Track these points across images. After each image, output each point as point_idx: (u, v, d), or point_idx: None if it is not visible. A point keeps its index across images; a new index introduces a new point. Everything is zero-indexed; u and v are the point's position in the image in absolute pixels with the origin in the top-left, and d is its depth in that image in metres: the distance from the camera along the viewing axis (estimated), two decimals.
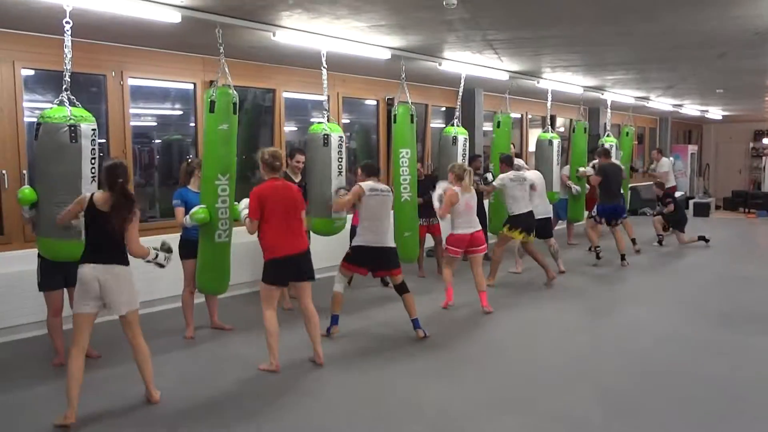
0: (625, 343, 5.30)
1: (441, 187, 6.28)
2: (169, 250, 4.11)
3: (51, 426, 3.67)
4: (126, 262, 3.83)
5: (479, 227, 6.28)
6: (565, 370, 4.68)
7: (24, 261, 5.25)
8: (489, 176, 8.19)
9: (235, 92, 5.06)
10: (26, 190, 4.35)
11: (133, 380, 4.08)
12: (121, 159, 3.85)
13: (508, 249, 7.48)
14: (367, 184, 5.29)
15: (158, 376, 4.39)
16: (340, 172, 5.80)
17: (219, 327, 5.63)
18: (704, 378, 4.51)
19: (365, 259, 5.29)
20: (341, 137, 5.85)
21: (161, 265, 4.07)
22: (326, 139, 5.70)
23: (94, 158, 4.29)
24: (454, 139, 7.39)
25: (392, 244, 5.40)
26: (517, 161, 9.03)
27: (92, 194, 3.84)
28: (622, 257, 8.62)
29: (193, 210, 5.04)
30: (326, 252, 6.91)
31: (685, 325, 5.84)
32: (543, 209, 7.92)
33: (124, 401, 4.02)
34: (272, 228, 4.44)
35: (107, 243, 3.77)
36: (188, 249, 5.33)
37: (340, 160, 5.77)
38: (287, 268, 4.53)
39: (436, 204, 6.23)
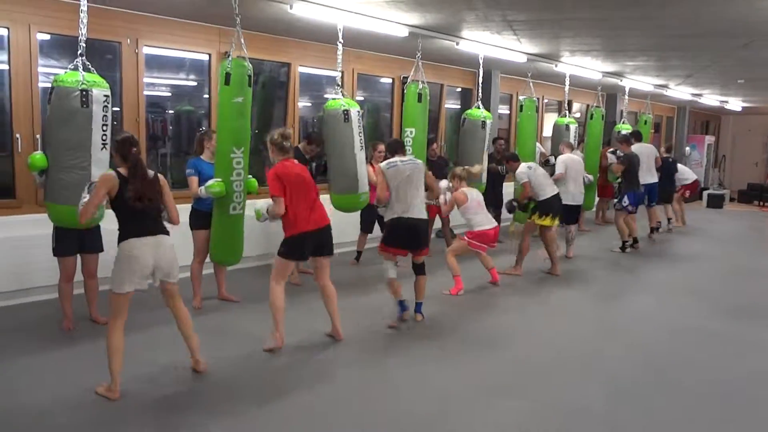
0: (632, 333, 5.28)
1: (446, 186, 6.41)
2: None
3: (72, 388, 3.75)
4: (167, 232, 3.80)
5: (496, 223, 6.47)
6: (570, 357, 4.68)
7: (35, 225, 5.29)
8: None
9: (250, 65, 5.01)
10: (37, 155, 4.30)
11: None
12: (130, 132, 3.80)
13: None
14: (388, 160, 5.25)
15: (163, 344, 4.46)
16: (362, 147, 5.84)
17: (226, 298, 5.67)
18: (710, 369, 4.49)
19: (400, 235, 5.14)
20: (359, 111, 5.86)
21: None
22: (346, 114, 5.68)
23: (105, 125, 4.24)
24: (483, 123, 7.35)
25: (423, 216, 5.19)
26: (537, 146, 9.05)
27: (116, 170, 3.68)
28: (635, 240, 8.76)
29: (209, 183, 5.05)
30: (341, 225, 6.97)
31: (693, 316, 5.80)
32: (576, 197, 7.86)
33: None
34: (292, 205, 4.41)
35: (148, 215, 3.68)
36: (199, 220, 5.36)
37: (360, 135, 5.82)
38: (308, 243, 4.53)
39: (442, 199, 6.35)
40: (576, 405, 3.84)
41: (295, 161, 4.57)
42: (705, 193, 15.58)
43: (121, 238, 3.64)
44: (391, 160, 5.25)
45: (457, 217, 6.62)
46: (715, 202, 15.17)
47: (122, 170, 3.66)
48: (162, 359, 4.25)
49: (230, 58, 4.99)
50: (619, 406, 3.85)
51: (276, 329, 4.49)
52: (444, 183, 6.49)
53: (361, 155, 5.86)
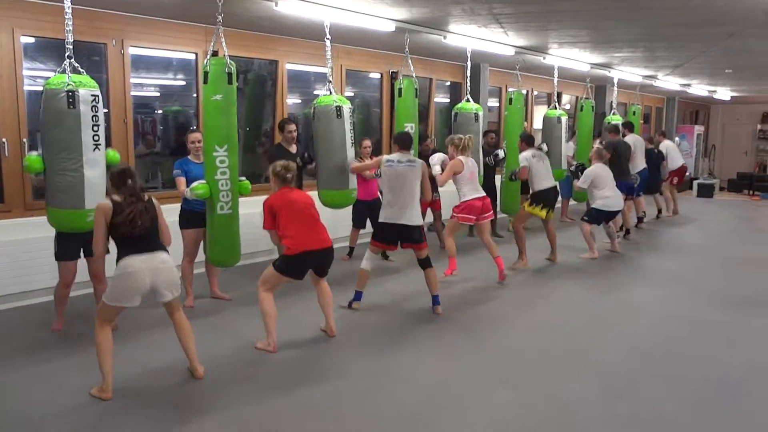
0: (625, 323, 5.31)
1: (439, 158, 6.32)
2: None
3: (69, 390, 3.73)
4: (166, 249, 3.80)
5: (484, 193, 6.38)
6: (564, 347, 4.70)
7: (24, 229, 5.27)
8: (501, 153, 8.12)
9: (231, 62, 4.96)
10: (32, 157, 4.26)
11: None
12: (127, 165, 3.83)
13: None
14: (387, 156, 5.32)
15: (156, 345, 4.45)
16: (352, 143, 5.84)
17: (218, 297, 5.67)
18: (702, 360, 4.51)
19: (389, 235, 5.29)
20: (350, 108, 5.86)
21: None
22: (339, 110, 5.67)
23: (96, 125, 4.21)
24: (476, 116, 7.36)
25: (414, 222, 5.28)
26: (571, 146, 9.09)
27: (110, 198, 3.71)
28: (627, 231, 8.80)
29: (193, 185, 5.03)
30: (334, 220, 7.01)
31: (685, 306, 5.83)
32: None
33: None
34: (293, 228, 4.39)
35: (144, 235, 3.68)
36: (187, 220, 5.36)
37: (351, 131, 5.82)
38: (308, 263, 4.51)
39: (437, 169, 6.20)
40: (569, 393, 3.86)
41: (291, 189, 4.55)
42: (695, 183, 15.67)
43: (119, 257, 3.64)
44: (391, 157, 5.26)
45: (448, 211, 6.61)
46: (705, 191, 15.25)
47: (117, 198, 3.68)
48: (156, 358, 4.25)
49: (209, 57, 4.99)
50: (614, 397, 3.86)
51: (268, 335, 4.44)
52: (438, 155, 6.40)
53: (351, 152, 5.86)
